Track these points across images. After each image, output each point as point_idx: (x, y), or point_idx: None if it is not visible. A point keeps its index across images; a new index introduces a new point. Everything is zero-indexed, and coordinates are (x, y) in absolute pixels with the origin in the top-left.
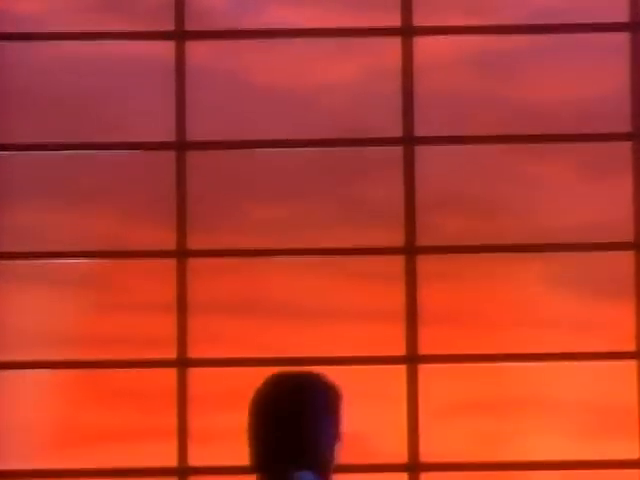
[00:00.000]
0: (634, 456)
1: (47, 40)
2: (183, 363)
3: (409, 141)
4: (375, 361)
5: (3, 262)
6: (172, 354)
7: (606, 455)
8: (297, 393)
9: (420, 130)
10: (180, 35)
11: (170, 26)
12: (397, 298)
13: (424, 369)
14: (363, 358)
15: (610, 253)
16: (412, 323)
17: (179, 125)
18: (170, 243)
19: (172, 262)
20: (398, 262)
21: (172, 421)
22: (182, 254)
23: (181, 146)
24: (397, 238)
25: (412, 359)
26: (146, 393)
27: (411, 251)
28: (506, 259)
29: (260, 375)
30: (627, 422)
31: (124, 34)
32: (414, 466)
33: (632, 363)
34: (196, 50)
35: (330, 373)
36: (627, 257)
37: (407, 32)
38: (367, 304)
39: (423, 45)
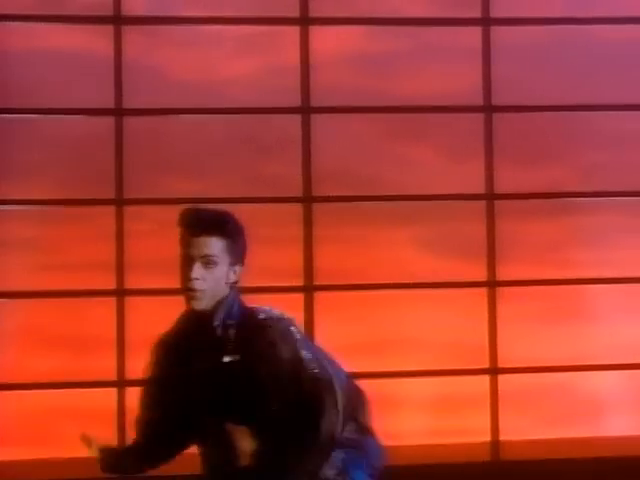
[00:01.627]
0: None
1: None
2: (120, 293)
3: (306, 110)
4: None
5: None
6: (111, 305)
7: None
8: (221, 212)
9: (315, 117)
10: (117, 20)
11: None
12: (296, 258)
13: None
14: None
15: (465, 221)
16: (309, 279)
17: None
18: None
19: (111, 229)
20: (297, 228)
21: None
22: (120, 202)
23: (119, 112)
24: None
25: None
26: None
27: (308, 201)
28: (384, 226)
29: None
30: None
31: (67, 17)
32: None
33: (483, 296)
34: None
35: None
36: (480, 224)
37: (304, 22)
38: (271, 264)
39: (316, 44)
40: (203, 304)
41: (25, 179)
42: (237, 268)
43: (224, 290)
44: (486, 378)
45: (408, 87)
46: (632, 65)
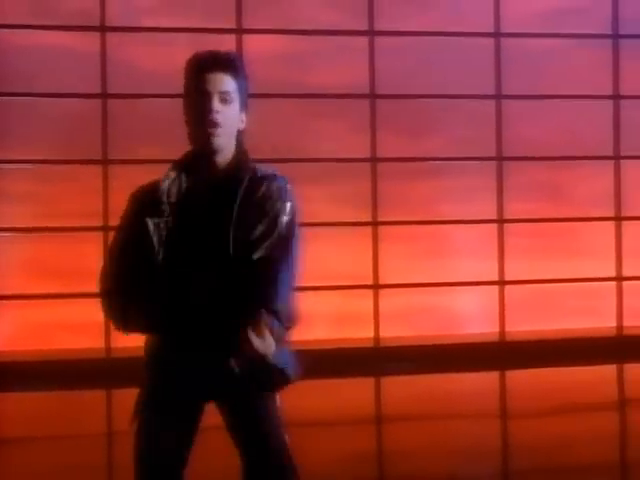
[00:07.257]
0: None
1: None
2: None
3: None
4: None
5: None
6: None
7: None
8: (233, 54)
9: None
10: (102, 28)
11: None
12: None
13: None
14: None
15: (361, 180)
16: None
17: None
18: (96, 172)
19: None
20: None
21: None
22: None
23: (104, 96)
24: None
25: None
26: None
27: None
28: (303, 185)
29: None
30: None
31: (56, 26)
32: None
33: (369, 237)
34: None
35: None
36: (366, 182)
37: (239, 31)
38: None
39: (249, 47)
40: (220, 141)
41: (29, 146)
42: (244, 115)
43: (234, 135)
44: (370, 292)
45: (317, 78)
46: (484, 65)
